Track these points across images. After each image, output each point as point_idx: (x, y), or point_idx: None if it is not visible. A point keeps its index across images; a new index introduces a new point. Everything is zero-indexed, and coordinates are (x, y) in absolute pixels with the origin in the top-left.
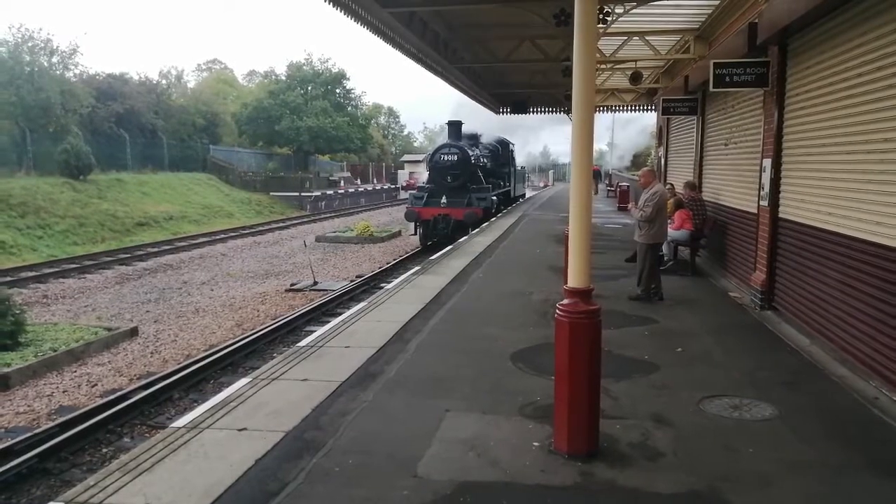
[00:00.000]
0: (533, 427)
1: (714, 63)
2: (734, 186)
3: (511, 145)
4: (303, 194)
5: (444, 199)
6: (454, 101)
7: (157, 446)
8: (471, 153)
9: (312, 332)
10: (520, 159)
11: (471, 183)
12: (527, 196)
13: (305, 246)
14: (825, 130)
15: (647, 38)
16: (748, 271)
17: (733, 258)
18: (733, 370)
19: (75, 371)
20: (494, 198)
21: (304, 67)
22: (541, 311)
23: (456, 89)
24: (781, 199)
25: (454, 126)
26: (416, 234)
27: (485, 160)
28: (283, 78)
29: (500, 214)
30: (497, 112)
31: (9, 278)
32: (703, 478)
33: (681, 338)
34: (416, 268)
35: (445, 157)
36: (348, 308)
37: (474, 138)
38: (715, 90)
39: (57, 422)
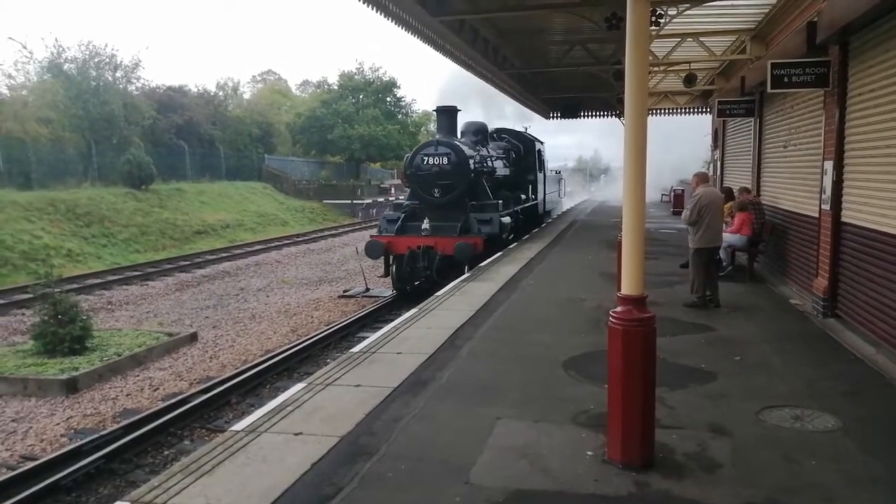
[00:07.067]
0: (586, 436)
1: (772, 63)
2: (794, 190)
3: (539, 143)
4: (354, 202)
5: (426, 224)
6: (446, 74)
7: (216, 449)
8: (469, 154)
9: (365, 338)
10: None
11: (470, 198)
12: (566, 209)
13: (357, 253)
14: (891, 131)
15: (701, 39)
16: (809, 277)
17: (794, 264)
18: (794, 379)
19: (138, 375)
20: (507, 219)
21: (356, 77)
22: (593, 318)
23: (506, 94)
24: (844, 202)
25: (446, 115)
26: (387, 275)
27: (495, 164)
28: (336, 87)
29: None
30: (547, 117)
31: (76, 285)
32: (763, 490)
33: (739, 346)
34: (466, 274)
35: (430, 161)
36: (399, 314)
37: (481, 132)
38: (773, 91)
39: (121, 424)
